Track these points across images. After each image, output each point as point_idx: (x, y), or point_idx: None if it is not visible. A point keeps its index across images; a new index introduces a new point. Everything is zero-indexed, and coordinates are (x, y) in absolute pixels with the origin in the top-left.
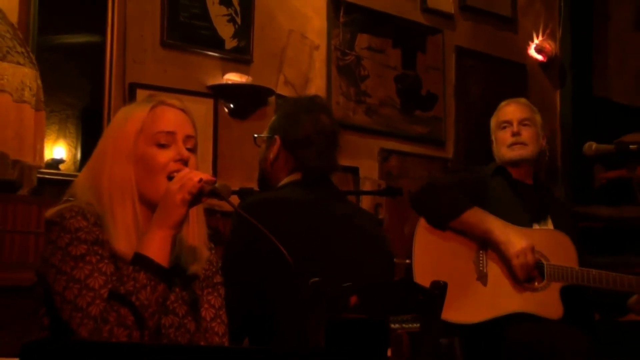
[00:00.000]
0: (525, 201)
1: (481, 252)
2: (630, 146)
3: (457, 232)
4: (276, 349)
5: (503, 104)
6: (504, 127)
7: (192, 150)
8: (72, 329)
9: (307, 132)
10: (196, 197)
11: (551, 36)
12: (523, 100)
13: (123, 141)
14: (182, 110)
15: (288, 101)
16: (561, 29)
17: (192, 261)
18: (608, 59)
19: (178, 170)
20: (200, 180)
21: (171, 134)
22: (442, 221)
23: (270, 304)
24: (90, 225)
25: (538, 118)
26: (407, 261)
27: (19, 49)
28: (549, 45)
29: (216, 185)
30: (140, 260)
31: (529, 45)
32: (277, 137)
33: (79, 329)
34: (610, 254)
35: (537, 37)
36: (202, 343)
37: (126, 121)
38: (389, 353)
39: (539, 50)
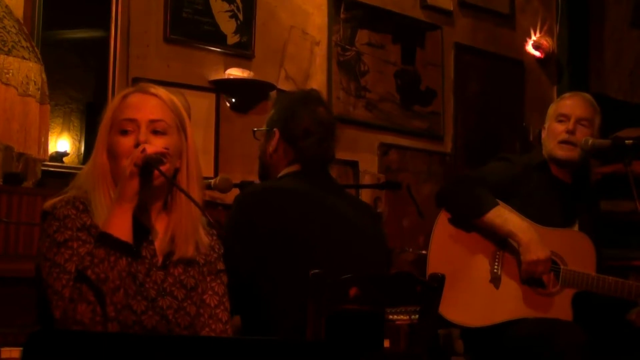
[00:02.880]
0: (559, 202)
1: (498, 253)
2: (626, 141)
3: (478, 230)
4: (277, 340)
5: (567, 95)
6: (561, 121)
7: (162, 132)
8: (51, 310)
9: (305, 124)
10: (144, 169)
11: (548, 33)
12: (588, 96)
13: (100, 132)
14: (155, 95)
15: (285, 95)
16: (558, 25)
17: (186, 245)
18: (604, 56)
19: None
20: (143, 150)
21: (133, 121)
22: (465, 219)
23: (266, 292)
24: (79, 213)
25: (598, 119)
26: (424, 252)
27: (24, 43)
28: (546, 42)
29: (159, 158)
30: (99, 237)
31: (526, 41)
32: (275, 130)
33: (55, 311)
34: (605, 247)
35: (535, 34)
36: (205, 329)
37: (105, 113)
38: (386, 344)
39: (536, 46)
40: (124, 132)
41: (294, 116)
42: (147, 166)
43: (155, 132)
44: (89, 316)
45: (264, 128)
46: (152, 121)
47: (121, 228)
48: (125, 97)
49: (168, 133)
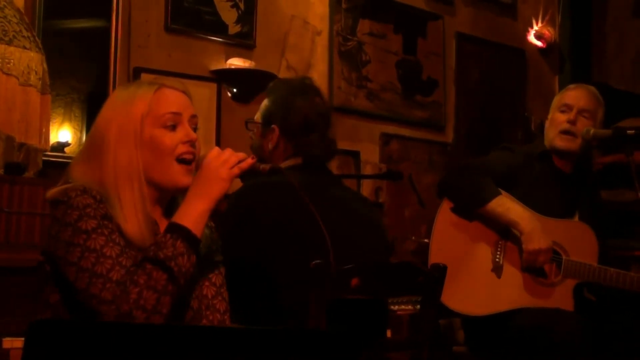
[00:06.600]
0: (560, 193)
1: (500, 242)
2: (628, 131)
3: (480, 219)
4: (279, 329)
5: (572, 86)
6: (563, 111)
7: (196, 129)
8: (93, 293)
9: (305, 116)
10: (247, 173)
11: (550, 22)
12: (592, 89)
13: (129, 124)
14: (183, 92)
15: (279, 85)
16: (560, 15)
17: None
18: (606, 45)
19: (188, 153)
20: (254, 157)
21: (178, 114)
22: (467, 208)
23: (268, 284)
24: (97, 203)
25: (600, 112)
26: (426, 240)
27: (25, 33)
28: (548, 32)
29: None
30: (178, 229)
31: (528, 31)
32: (274, 126)
33: (102, 294)
34: (606, 237)
35: (537, 24)
36: (203, 320)
37: (130, 104)
38: (388, 334)
39: (538, 36)
40: (171, 127)
41: (292, 109)
42: (248, 173)
43: (193, 129)
44: (152, 303)
45: (259, 119)
46: (193, 117)
47: (198, 226)
48: (158, 90)
49: (197, 131)
